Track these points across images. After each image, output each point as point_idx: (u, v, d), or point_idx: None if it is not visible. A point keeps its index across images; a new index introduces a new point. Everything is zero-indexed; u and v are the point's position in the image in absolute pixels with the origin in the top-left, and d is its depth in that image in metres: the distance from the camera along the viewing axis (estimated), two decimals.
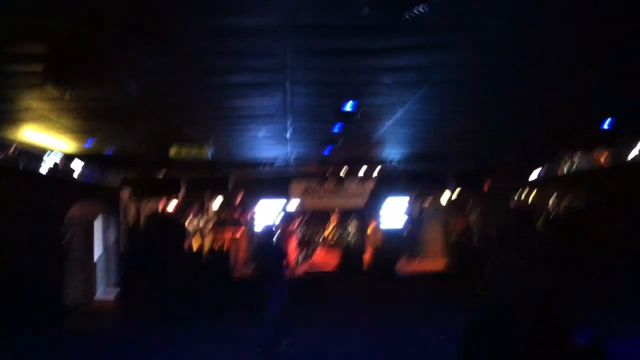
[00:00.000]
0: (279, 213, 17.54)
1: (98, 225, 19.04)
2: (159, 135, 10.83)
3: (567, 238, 14.62)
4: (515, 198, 18.00)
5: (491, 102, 8.91)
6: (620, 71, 7.21)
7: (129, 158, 13.36)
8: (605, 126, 10.21)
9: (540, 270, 3.78)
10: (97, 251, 18.83)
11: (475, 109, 9.35)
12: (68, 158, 12.16)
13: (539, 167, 14.88)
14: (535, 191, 17.55)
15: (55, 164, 11.85)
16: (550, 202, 17.36)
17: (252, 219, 19.22)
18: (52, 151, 11.50)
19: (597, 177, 12.99)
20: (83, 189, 14.16)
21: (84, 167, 12.87)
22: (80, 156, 12.31)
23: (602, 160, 12.06)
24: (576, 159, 13.10)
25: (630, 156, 11.12)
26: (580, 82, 7.74)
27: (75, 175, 12.57)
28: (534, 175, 15.31)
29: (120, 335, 13.14)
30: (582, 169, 12.89)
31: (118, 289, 15.23)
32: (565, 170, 13.66)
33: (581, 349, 4.36)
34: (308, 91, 7.84)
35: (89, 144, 11.13)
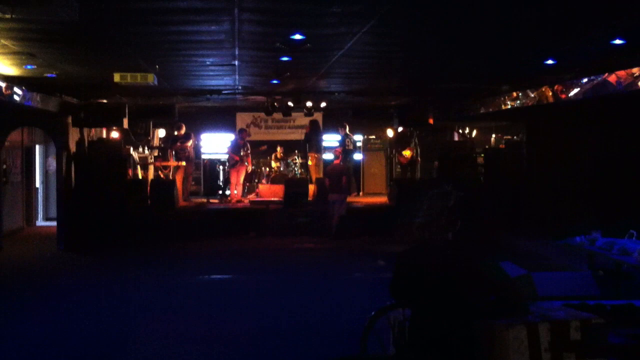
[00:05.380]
0: (228, 143, 17.46)
1: (39, 151, 18.75)
2: (103, 60, 10.61)
3: (500, 169, 15.11)
4: (459, 132, 18.35)
5: (439, 36, 8.98)
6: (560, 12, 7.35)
7: (73, 83, 13.06)
8: (549, 62, 10.43)
9: (470, 202, 3.93)
10: (39, 177, 18.58)
11: (424, 42, 9.41)
12: (8, 81, 11.81)
13: (482, 101, 15.13)
14: (479, 125, 17.91)
15: None
16: (492, 136, 17.78)
17: (198, 148, 19.13)
18: None
19: (537, 113, 13.33)
20: (24, 113, 13.84)
21: (24, 91, 12.53)
22: (21, 80, 11.97)
23: (543, 97, 12.33)
24: (517, 95, 13.36)
25: (571, 94, 11.40)
26: (525, 22, 7.87)
27: (15, 99, 12.23)
28: (478, 110, 15.58)
29: (59, 259, 13.13)
30: (524, 105, 13.17)
31: (59, 216, 15.10)
32: (506, 105, 13.93)
33: (512, 279, 4.55)
34: (257, 19, 7.77)
35: (30, 67, 10.83)
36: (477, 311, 3.78)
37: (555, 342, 3.82)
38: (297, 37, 8.66)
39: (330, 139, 18.89)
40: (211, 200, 17.77)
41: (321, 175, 17.61)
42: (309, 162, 18.27)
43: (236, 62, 10.92)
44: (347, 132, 17.95)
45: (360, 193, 19.78)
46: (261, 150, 18.49)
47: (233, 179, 17.45)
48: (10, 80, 11.88)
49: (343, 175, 15.30)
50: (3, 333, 7.86)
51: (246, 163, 17.42)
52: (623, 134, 11.44)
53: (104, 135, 17.31)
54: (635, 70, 9.53)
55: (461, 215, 3.87)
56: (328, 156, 18.47)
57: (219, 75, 12.56)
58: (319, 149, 18.29)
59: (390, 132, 19.31)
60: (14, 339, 7.65)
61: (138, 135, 17.90)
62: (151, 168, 18.09)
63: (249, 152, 17.38)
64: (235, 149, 17.23)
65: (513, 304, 3.96)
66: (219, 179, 18.98)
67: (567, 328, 3.87)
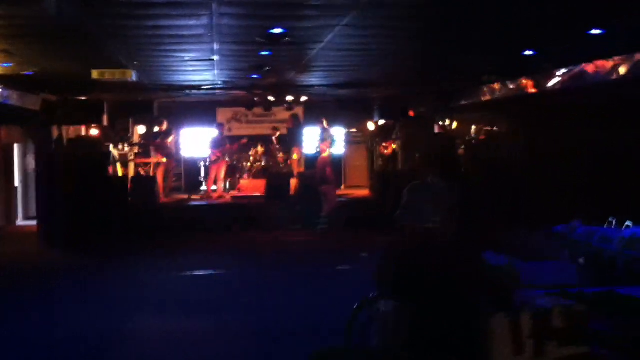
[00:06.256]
0: (209, 139, 17.37)
1: (18, 150, 18.55)
2: (81, 56, 10.52)
3: (480, 160, 15.18)
4: (440, 124, 18.40)
5: (419, 28, 8.99)
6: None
7: (51, 80, 12.96)
8: (528, 53, 10.49)
9: (455, 194, 3.93)
10: (17, 176, 18.39)
11: (404, 34, 9.42)
12: None
13: (463, 93, 15.19)
14: (459, 117, 17.97)
15: None
16: (472, 127, 17.85)
17: (178, 144, 19.02)
18: None
19: (517, 104, 13.41)
20: (1, 112, 13.69)
21: (2, 90, 12.40)
22: None
23: (522, 88, 12.41)
24: (497, 87, 13.44)
25: (550, 84, 11.48)
26: (504, 13, 7.91)
27: None
28: (458, 102, 15.64)
29: (40, 259, 13.00)
30: (503, 96, 13.24)
31: (39, 214, 14.98)
32: (486, 97, 14.01)
33: (494, 268, 4.57)
34: (235, 12, 7.74)
35: (7, 65, 10.73)
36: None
37: (537, 330, 3.84)
38: (277, 30, 8.65)
39: (310, 133, 18.82)
40: (193, 197, 17.70)
41: (303, 169, 17.59)
42: (295, 157, 18.22)
43: (215, 57, 10.89)
44: (325, 126, 17.93)
45: (342, 186, 19.78)
46: (242, 144, 18.36)
47: (213, 175, 17.39)
48: None
49: (327, 166, 15.41)
50: None
51: (227, 158, 17.38)
52: (602, 122, 11.52)
53: (83, 133, 17.16)
54: (615, 59, 9.61)
55: (448, 206, 3.87)
56: (309, 151, 18.42)
57: (198, 70, 12.51)
58: (301, 143, 18.25)
59: (371, 125, 19.33)
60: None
61: (118, 132, 17.76)
62: (131, 165, 17.96)
63: (227, 146, 17.31)
64: (216, 144, 17.15)
65: (497, 295, 3.98)
66: (200, 175, 18.90)
67: (549, 316, 3.89)
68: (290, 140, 18.22)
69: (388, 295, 4.20)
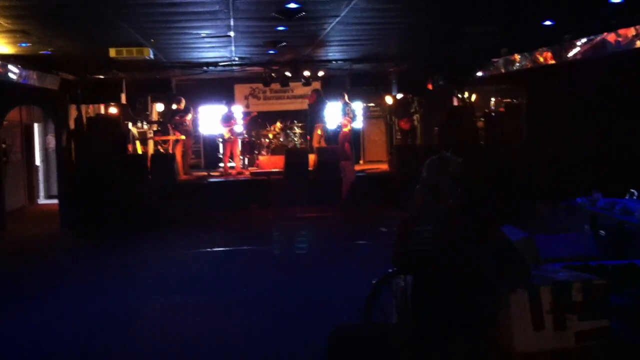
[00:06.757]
0: (223, 114, 17.36)
1: (38, 129, 18.72)
2: (98, 35, 10.53)
3: (499, 133, 15.01)
4: (459, 96, 18.24)
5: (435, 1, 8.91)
6: None
7: (69, 60, 12.99)
8: (547, 23, 10.35)
9: (471, 167, 3.90)
10: (39, 155, 18.59)
11: (419, 6, 9.33)
12: (3, 59, 11.75)
13: (481, 65, 15.02)
14: (478, 89, 17.81)
15: None
16: (492, 100, 17.69)
17: (196, 121, 19.06)
18: None
19: (536, 75, 13.24)
20: (21, 92, 13.78)
21: (20, 70, 12.46)
22: (17, 58, 11.91)
23: (542, 59, 12.25)
24: (517, 58, 13.27)
25: (570, 54, 11.32)
26: None
27: (11, 78, 12.17)
28: (475, 74, 15.47)
29: (63, 238, 13.15)
30: (522, 67, 13.08)
31: (61, 194, 15.12)
32: (505, 69, 13.84)
33: (512, 242, 4.53)
34: None
35: (25, 45, 10.77)
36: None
37: (557, 304, 3.84)
38: (292, 5, 8.58)
39: (331, 108, 18.73)
40: (212, 173, 17.77)
41: (325, 145, 17.53)
42: (319, 132, 18.14)
43: (232, 33, 10.84)
44: (347, 100, 17.84)
45: (361, 161, 19.72)
46: (252, 118, 18.36)
47: (228, 151, 17.44)
48: (6, 59, 11.81)
49: (346, 142, 15.33)
50: (13, 315, 7.79)
51: (244, 134, 17.46)
52: (622, 93, 11.36)
53: (102, 112, 17.25)
54: (637, 28, 9.44)
55: (460, 182, 3.85)
56: (330, 126, 18.33)
57: (215, 47, 12.48)
58: (323, 118, 18.16)
59: (389, 100, 19.20)
60: (22, 321, 7.61)
61: (136, 110, 17.83)
62: (151, 143, 18.04)
63: (236, 122, 17.33)
64: (224, 121, 17.17)
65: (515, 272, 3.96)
66: (219, 151, 18.95)
67: (569, 290, 3.88)
68: (313, 115, 18.15)
69: (404, 272, 4.20)
